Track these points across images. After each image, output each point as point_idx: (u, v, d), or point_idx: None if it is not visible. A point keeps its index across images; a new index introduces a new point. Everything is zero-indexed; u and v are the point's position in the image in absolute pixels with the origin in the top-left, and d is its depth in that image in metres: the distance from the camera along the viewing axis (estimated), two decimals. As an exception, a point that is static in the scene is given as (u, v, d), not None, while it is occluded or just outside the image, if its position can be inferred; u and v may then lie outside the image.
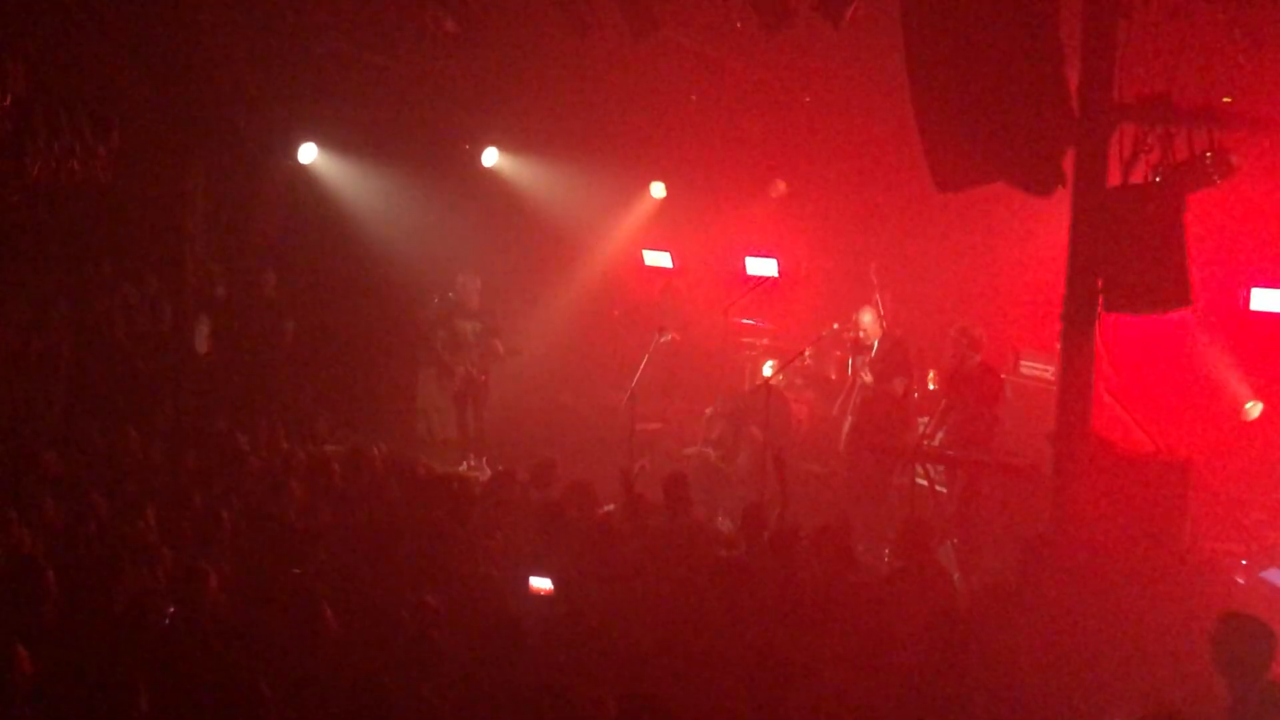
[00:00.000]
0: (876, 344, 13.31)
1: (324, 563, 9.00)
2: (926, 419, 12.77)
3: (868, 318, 13.37)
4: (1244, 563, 11.19)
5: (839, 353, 14.39)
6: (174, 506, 10.18)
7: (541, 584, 8.28)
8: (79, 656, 6.98)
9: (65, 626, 7.52)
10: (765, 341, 15.44)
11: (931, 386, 13.57)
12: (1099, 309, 9.22)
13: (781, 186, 15.83)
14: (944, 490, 12.18)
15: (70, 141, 11.78)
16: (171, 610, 7.74)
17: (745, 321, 15.63)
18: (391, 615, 7.49)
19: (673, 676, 7.00)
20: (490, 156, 16.55)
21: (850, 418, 13.41)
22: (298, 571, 8.68)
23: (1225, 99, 10.30)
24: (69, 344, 14.77)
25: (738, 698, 6.74)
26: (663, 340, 14.20)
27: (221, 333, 15.66)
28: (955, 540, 11.45)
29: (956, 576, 10.33)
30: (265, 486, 10.90)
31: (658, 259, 17.13)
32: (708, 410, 14.94)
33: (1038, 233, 12.38)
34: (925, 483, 12.20)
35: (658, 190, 16.93)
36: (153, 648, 7.27)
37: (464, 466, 14.72)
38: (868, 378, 13.15)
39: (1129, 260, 8.99)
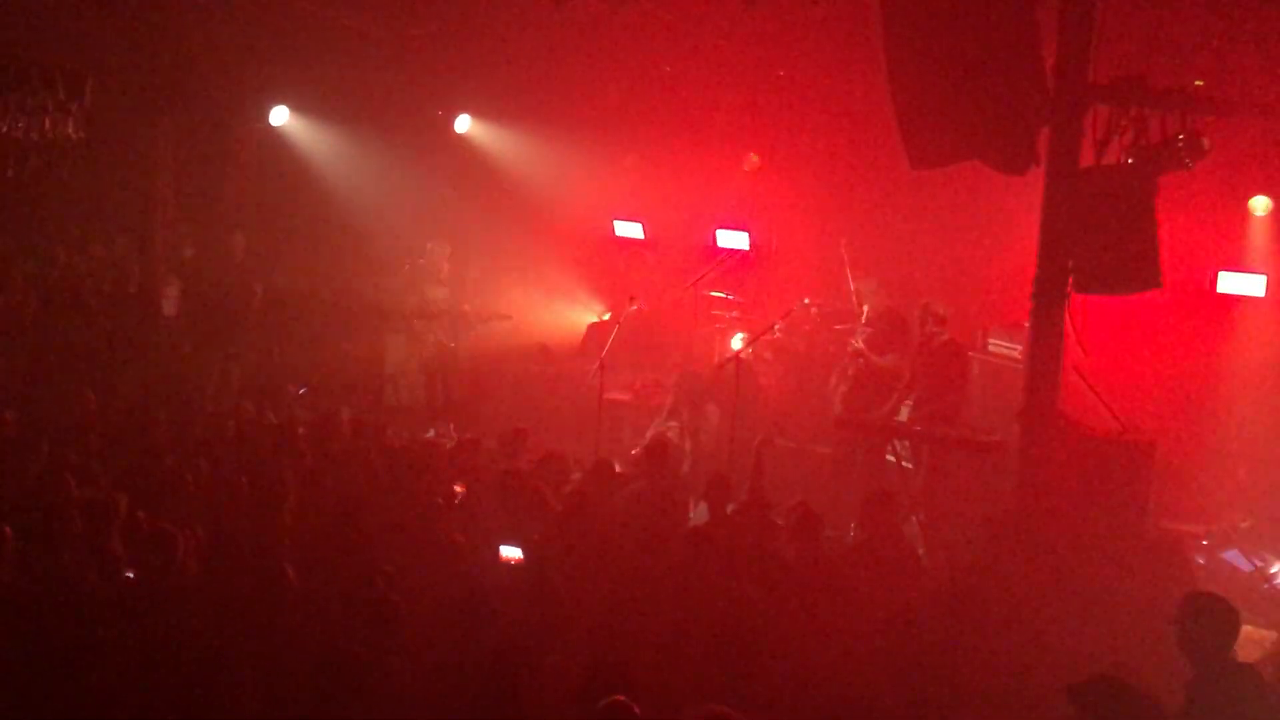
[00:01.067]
0: (866, 310, 13.18)
1: (292, 528, 8.98)
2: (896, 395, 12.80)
3: (866, 285, 13.14)
4: (1204, 543, 11.33)
5: (808, 327, 14.40)
6: (139, 468, 10.11)
7: (511, 553, 8.30)
8: (39, 619, 6.94)
9: (22, 587, 7.47)
10: (734, 314, 15.43)
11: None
12: (1069, 289, 9.28)
13: (754, 159, 15.84)
14: (910, 466, 12.23)
15: (42, 99, 11.64)
16: (130, 575, 7.69)
17: (715, 294, 15.62)
18: (360, 583, 7.49)
19: (640, 645, 7.03)
20: (463, 124, 16.49)
21: (842, 388, 13.32)
22: (265, 537, 8.64)
23: (1198, 82, 10.37)
24: (34, 303, 14.62)
25: (705, 667, 6.76)
26: (632, 310, 14.20)
27: (189, 295, 15.54)
28: (920, 516, 11.51)
29: (922, 552, 10.39)
30: (233, 450, 10.85)
31: (629, 230, 17.09)
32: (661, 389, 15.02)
33: (1010, 211, 12.42)
34: (893, 458, 12.24)
35: (630, 161, 16.87)
36: (118, 611, 7.23)
37: (431, 433, 14.68)
38: (858, 344, 13.02)
39: (1100, 241, 9.04)
